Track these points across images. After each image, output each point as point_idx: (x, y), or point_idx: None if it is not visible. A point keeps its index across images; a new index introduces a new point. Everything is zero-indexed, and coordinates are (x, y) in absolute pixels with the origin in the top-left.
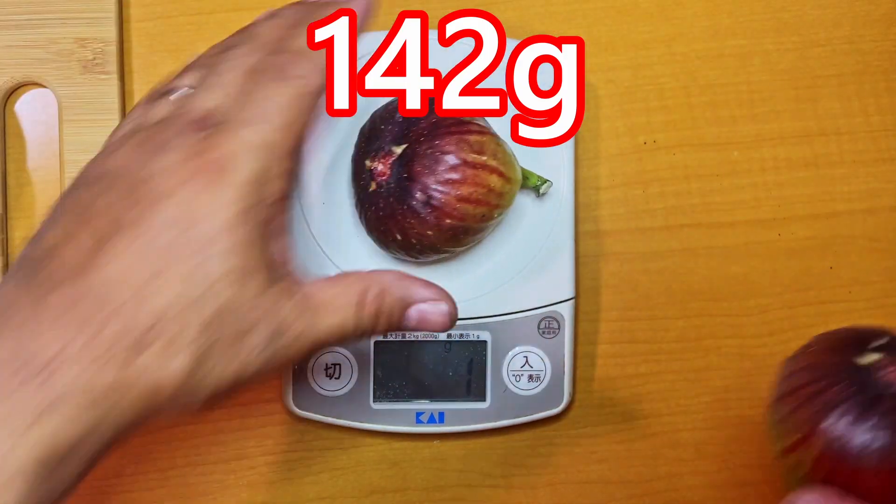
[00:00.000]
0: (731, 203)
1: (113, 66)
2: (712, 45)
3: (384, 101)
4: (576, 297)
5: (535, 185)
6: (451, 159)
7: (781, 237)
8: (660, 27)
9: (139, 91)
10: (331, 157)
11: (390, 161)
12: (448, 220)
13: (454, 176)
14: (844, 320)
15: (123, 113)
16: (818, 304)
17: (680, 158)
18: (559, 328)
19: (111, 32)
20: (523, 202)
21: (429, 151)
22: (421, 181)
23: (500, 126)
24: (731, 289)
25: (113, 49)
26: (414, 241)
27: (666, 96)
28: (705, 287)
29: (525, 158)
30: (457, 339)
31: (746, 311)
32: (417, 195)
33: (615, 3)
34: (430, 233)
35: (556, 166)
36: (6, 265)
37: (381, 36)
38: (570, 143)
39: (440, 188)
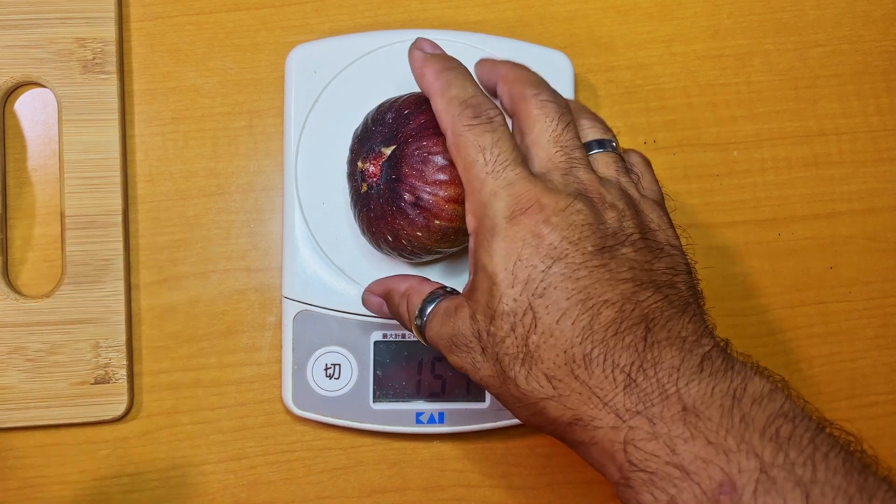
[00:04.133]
0: (731, 203)
1: (113, 66)
2: (712, 46)
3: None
4: None
5: None
6: (439, 160)
7: (781, 237)
8: (660, 27)
9: (139, 91)
10: (331, 158)
11: (380, 162)
12: (437, 221)
13: (442, 177)
14: (844, 320)
15: (123, 113)
16: (818, 304)
17: (680, 158)
18: None
19: (111, 32)
20: None
21: (417, 152)
22: (409, 182)
23: None
24: (730, 288)
25: (112, 49)
26: (405, 242)
27: (666, 96)
28: (705, 287)
29: None
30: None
31: (747, 310)
32: (406, 196)
33: (615, 3)
34: (419, 234)
35: None
36: (5, 265)
37: (379, 36)
38: None
39: (428, 189)
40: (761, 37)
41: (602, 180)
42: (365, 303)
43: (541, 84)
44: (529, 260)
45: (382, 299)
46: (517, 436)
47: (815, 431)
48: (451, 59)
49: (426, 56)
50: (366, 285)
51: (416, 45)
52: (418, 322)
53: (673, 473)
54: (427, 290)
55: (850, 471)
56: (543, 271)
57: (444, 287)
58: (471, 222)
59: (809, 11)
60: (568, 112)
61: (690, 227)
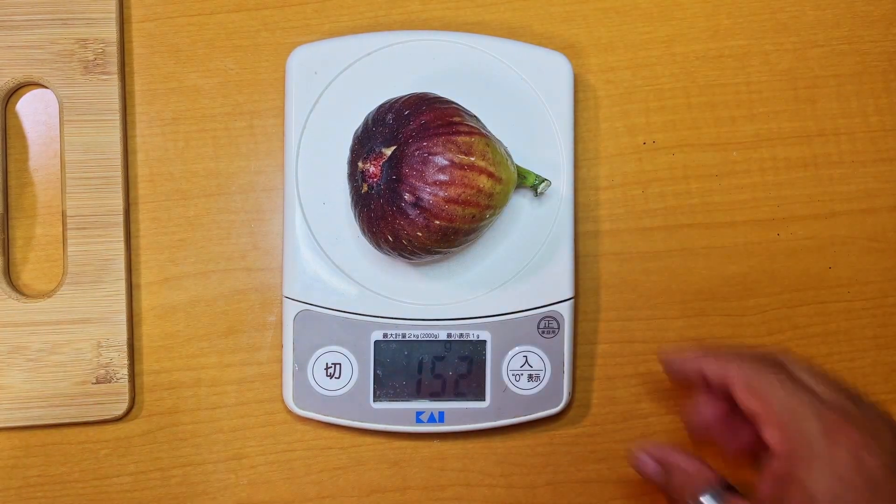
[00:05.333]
0: (730, 203)
1: (114, 67)
2: (712, 46)
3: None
4: (575, 297)
5: (532, 185)
6: (439, 160)
7: (780, 237)
8: (659, 28)
9: (140, 91)
10: (331, 158)
11: (380, 163)
12: (437, 222)
13: (442, 177)
14: (843, 320)
15: (124, 113)
16: (817, 304)
17: (679, 158)
18: (559, 328)
19: (112, 33)
20: (523, 202)
21: (417, 153)
22: (409, 183)
23: (496, 125)
24: (730, 289)
25: (114, 49)
26: (405, 242)
27: (665, 96)
28: (704, 287)
29: (524, 158)
30: (457, 338)
31: (746, 311)
32: (406, 197)
33: (615, 3)
34: (420, 234)
35: (555, 166)
36: (6, 265)
37: (380, 37)
38: (569, 142)
39: (428, 189)
40: (760, 37)
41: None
42: (637, 463)
43: (783, 385)
44: (855, 487)
45: (658, 466)
46: (517, 435)
47: None
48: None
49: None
50: (366, 285)
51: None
52: None
53: None
54: (710, 478)
55: None
56: (868, 499)
57: (724, 482)
58: (775, 436)
59: (808, 12)
60: (815, 404)
61: (690, 227)
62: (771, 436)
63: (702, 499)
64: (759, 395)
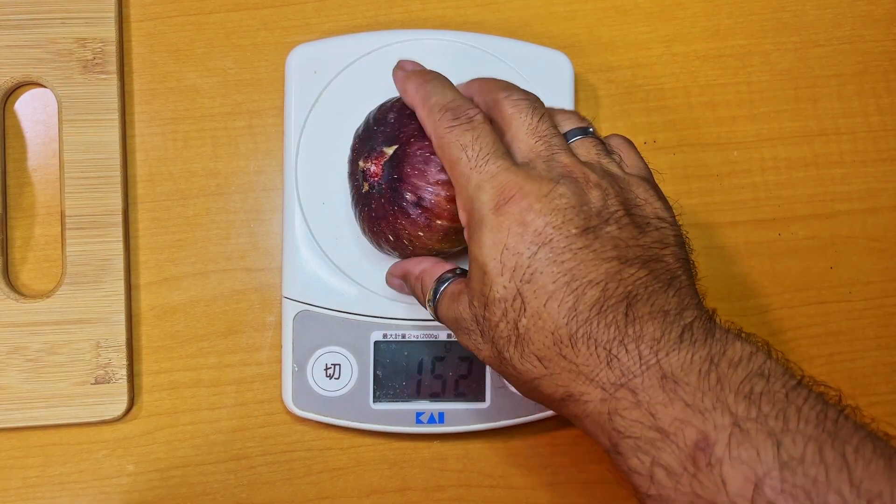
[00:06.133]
0: (731, 203)
1: (113, 66)
2: (712, 46)
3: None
4: None
5: None
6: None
7: (781, 237)
8: (660, 27)
9: (139, 91)
10: (331, 158)
11: (382, 162)
12: (439, 221)
13: (444, 177)
14: (844, 320)
15: (123, 113)
16: (818, 304)
17: (680, 158)
18: None
19: (111, 32)
20: None
21: (419, 152)
22: (411, 182)
23: None
24: (731, 289)
25: (112, 49)
26: (406, 242)
27: (666, 96)
28: (705, 287)
29: None
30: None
31: (746, 311)
32: (408, 196)
33: (615, 3)
34: (421, 234)
35: None
36: (5, 265)
37: (379, 36)
38: None
39: (430, 189)
40: (761, 37)
41: (584, 162)
42: (388, 284)
43: (510, 86)
44: (515, 248)
45: (402, 281)
46: (517, 436)
47: (791, 387)
48: (431, 71)
49: (407, 73)
50: (366, 285)
51: (399, 66)
52: (431, 303)
53: (654, 437)
54: (439, 272)
55: (822, 420)
56: (529, 257)
57: (454, 270)
58: (462, 217)
59: (809, 11)
60: (541, 105)
61: (690, 227)
62: (459, 211)
63: (436, 292)
64: (449, 160)
